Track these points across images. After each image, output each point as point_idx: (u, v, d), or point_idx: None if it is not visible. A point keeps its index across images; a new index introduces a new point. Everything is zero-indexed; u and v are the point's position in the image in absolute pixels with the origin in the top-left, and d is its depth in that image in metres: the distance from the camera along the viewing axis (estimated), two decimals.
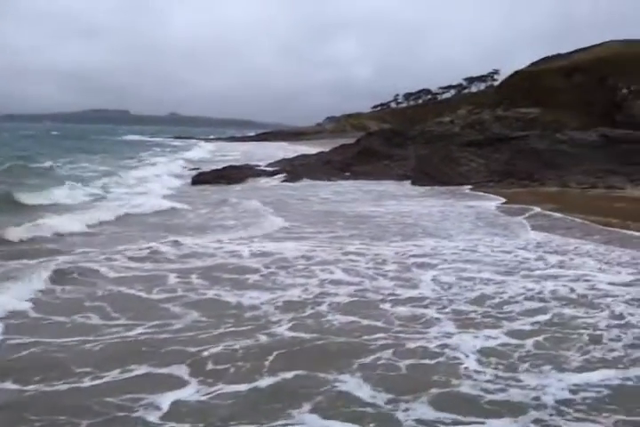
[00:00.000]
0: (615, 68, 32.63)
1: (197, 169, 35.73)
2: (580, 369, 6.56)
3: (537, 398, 5.86)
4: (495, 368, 6.57)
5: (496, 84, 59.47)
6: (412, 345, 7.25)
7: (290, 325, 7.95)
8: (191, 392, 5.99)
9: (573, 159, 28.05)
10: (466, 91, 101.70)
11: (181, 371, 6.46)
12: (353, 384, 6.15)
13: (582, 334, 7.66)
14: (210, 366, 6.59)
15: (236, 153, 61.50)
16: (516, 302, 9.13)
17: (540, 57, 46.76)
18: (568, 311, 8.65)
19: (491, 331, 7.71)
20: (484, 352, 7.01)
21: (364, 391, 6.00)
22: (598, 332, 7.73)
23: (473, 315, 8.43)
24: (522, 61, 44.25)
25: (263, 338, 7.46)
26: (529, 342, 7.33)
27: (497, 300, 9.20)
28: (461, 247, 13.36)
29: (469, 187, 27.75)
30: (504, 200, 23.02)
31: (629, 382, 6.24)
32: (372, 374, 6.41)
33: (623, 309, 8.74)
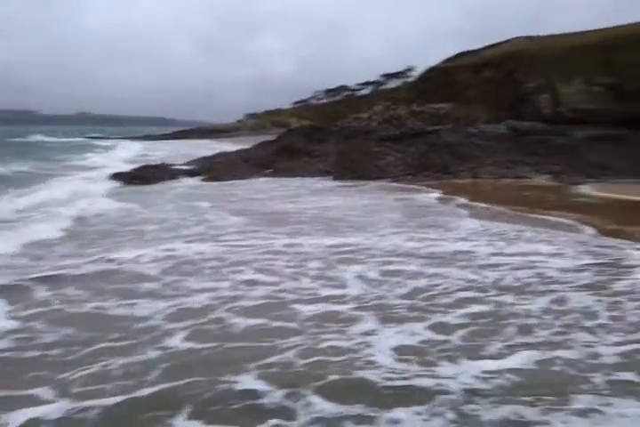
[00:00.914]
0: (521, 63, 34.33)
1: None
2: (497, 356, 6.67)
3: (446, 386, 5.96)
4: (409, 362, 6.56)
5: (411, 80, 61.04)
6: (323, 345, 7.09)
7: (186, 334, 7.41)
8: (50, 410, 5.48)
9: (484, 151, 29.26)
10: (383, 87, 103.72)
11: (44, 392, 5.87)
12: (248, 384, 6.01)
13: (513, 323, 7.68)
14: (77, 389, 5.97)
15: (159, 152, 59.28)
16: (450, 293, 9.03)
17: (453, 53, 48.41)
18: (505, 300, 8.64)
19: (415, 325, 7.67)
20: (402, 348, 6.97)
21: (259, 390, 5.90)
22: (531, 320, 7.77)
23: (399, 310, 8.29)
24: (438, 57, 46.24)
25: (152, 352, 6.88)
26: (453, 334, 7.35)
27: (429, 293, 9.06)
28: (392, 241, 13.16)
29: (388, 180, 28.37)
30: (430, 191, 23.72)
31: (543, 368, 6.39)
32: (270, 373, 6.26)
33: (565, 294, 8.84)
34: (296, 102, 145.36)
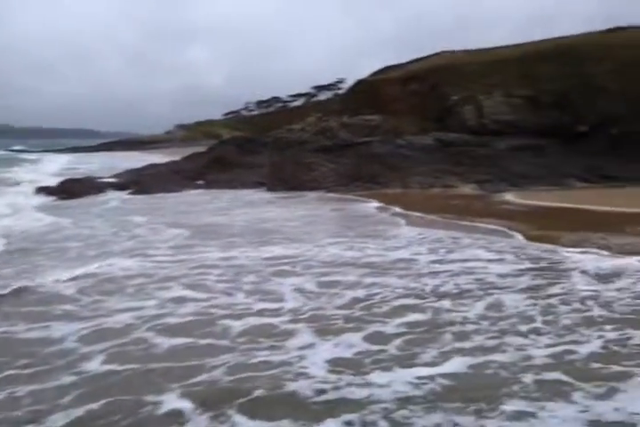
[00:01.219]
0: (445, 76, 35.59)
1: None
2: (431, 363, 6.71)
3: (378, 395, 5.93)
4: (342, 374, 6.46)
5: (342, 92, 62.03)
6: (255, 360, 6.90)
7: (104, 357, 6.98)
8: None
9: (413, 162, 30.03)
10: (315, 99, 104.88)
11: None
12: (171, 405, 5.79)
13: (449, 330, 7.72)
14: None
15: (87, 165, 56.59)
16: (389, 302, 9.00)
17: (383, 66, 49.59)
18: (443, 307, 8.69)
19: (352, 336, 7.60)
20: (336, 360, 6.86)
21: (183, 411, 5.69)
22: (468, 326, 7.85)
23: (336, 321, 8.20)
24: (372, 69, 47.70)
25: (66, 377, 6.44)
26: (389, 344, 7.32)
27: (367, 303, 9.00)
28: (330, 251, 13.08)
29: (322, 191, 28.53)
30: (365, 201, 24.02)
31: (476, 372, 6.49)
32: (195, 392, 6.05)
33: (503, 299, 9.01)
34: (227, 114, 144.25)
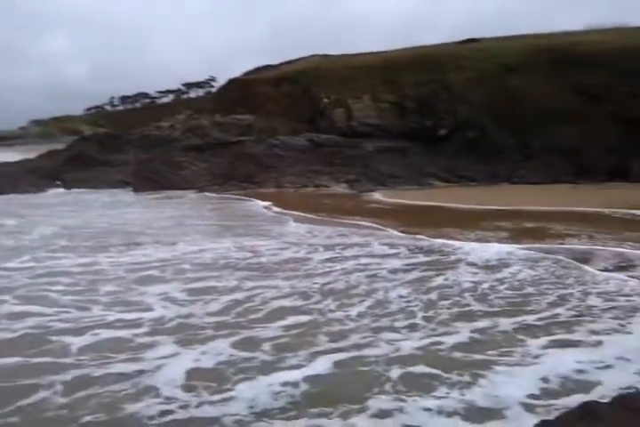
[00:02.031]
0: (316, 79, 36.31)
1: None
2: (298, 366, 6.44)
3: (235, 407, 5.50)
4: (197, 389, 5.90)
5: (214, 90, 60.82)
6: (95, 378, 6.11)
7: None
8: None
9: (286, 162, 30.23)
10: (185, 96, 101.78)
11: None
12: None
13: (327, 330, 7.52)
14: None
15: None
16: (269, 306, 8.62)
17: (255, 65, 49.33)
18: (328, 307, 8.47)
19: (220, 344, 7.10)
20: (195, 372, 6.30)
21: None
22: (348, 325, 7.75)
23: (205, 330, 7.60)
24: (245, 68, 47.21)
25: None
26: (259, 350, 6.96)
27: (244, 308, 8.53)
28: (207, 254, 12.39)
29: (194, 191, 27.69)
30: (244, 200, 23.62)
31: (345, 371, 6.35)
32: (20, 420, 5.26)
33: (388, 296, 9.02)
34: (89, 109, 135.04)
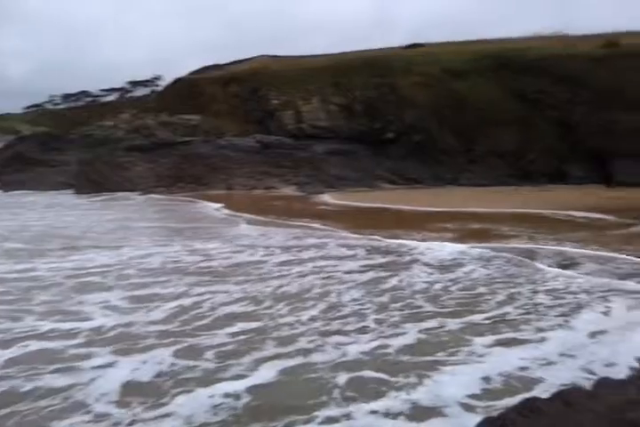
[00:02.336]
0: (265, 80, 36.09)
1: None
2: (242, 376, 6.14)
3: (169, 423, 5.14)
4: (131, 404, 5.45)
5: (160, 89, 59.45)
6: (22, 393, 5.64)
7: None
8: None
9: (235, 163, 29.90)
10: (129, 95, 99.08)
11: None
12: None
13: (275, 336, 7.29)
14: None
15: None
16: (218, 312, 8.27)
17: (202, 65, 48.58)
18: (279, 312, 8.26)
19: (160, 353, 6.70)
20: (130, 385, 5.89)
21: None
22: (298, 329, 7.56)
23: (146, 339, 7.15)
24: (193, 67, 46.17)
25: None
26: (201, 358, 6.62)
27: (191, 314, 8.14)
28: (156, 258, 11.90)
29: (139, 192, 26.96)
30: (193, 202, 23.11)
31: (291, 380, 6.12)
32: None
33: (341, 299, 8.90)
34: (29, 107, 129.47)
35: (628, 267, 11.30)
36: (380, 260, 12.16)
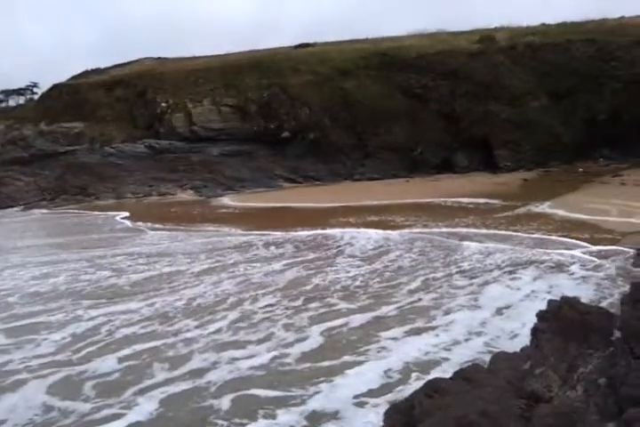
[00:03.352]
0: (152, 83, 34.72)
1: None
2: (113, 417, 5.46)
3: None
4: None
5: (37, 97, 55.45)
6: None
7: None
8: None
9: (125, 171, 28.53)
10: (2, 105, 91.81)
11: None
12: None
13: (168, 357, 6.75)
14: None
15: None
16: (114, 335, 7.66)
17: (82, 70, 45.86)
18: (187, 327, 7.79)
19: (32, 391, 6.00)
20: None
21: None
22: (195, 345, 7.10)
23: (20, 373, 6.47)
24: (71, 73, 43.15)
25: None
26: (78, 396, 5.91)
27: (83, 342, 7.38)
28: (47, 280, 10.82)
29: (20, 208, 24.94)
30: (84, 214, 21.60)
31: (168, 412, 5.52)
32: None
33: (252, 308, 8.57)
34: None
35: (529, 241, 12.23)
36: (301, 257, 12.05)
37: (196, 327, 7.88)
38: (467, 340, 7.03)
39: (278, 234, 15.06)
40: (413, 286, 9.44)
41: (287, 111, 31.11)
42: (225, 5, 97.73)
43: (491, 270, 10.11)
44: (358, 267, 10.97)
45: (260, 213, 21.10)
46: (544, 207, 16.92)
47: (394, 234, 13.96)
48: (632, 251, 10.67)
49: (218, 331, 7.73)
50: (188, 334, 7.61)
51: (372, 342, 6.99)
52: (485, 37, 30.66)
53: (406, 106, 29.54)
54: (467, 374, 5.45)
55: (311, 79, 31.54)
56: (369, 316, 7.98)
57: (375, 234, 13.97)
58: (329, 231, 14.84)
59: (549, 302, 6.96)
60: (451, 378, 5.60)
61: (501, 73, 28.47)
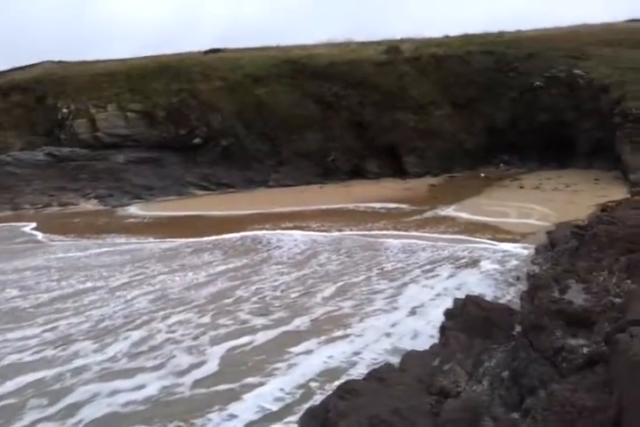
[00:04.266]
0: (53, 87, 32.79)
1: None
2: None
3: None
4: None
5: None
6: None
7: None
8: None
9: (23, 180, 26.69)
10: None
11: None
12: None
13: (42, 392, 6.18)
14: None
15: None
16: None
17: None
18: (77, 352, 7.31)
19: None
20: None
21: None
22: (80, 376, 6.64)
23: None
24: None
25: None
26: None
27: None
28: None
29: None
30: None
31: None
32: None
33: (166, 322, 8.22)
34: None
35: (441, 243, 12.61)
36: (222, 266, 11.72)
37: (94, 352, 7.41)
38: (376, 343, 7.12)
39: (195, 240, 14.68)
40: (331, 291, 9.49)
41: (198, 117, 30.44)
42: (136, 8, 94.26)
43: (410, 271, 10.43)
44: (288, 274, 10.91)
45: (172, 222, 20.45)
46: (449, 211, 17.68)
47: (319, 236, 14.08)
48: (531, 249, 11.37)
49: (113, 357, 7.25)
50: (81, 362, 7.11)
51: (278, 360, 6.77)
52: (392, 48, 31.66)
53: (319, 114, 29.86)
54: (379, 374, 5.51)
55: (222, 85, 31.11)
56: (280, 331, 7.84)
57: (301, 236, 13.98)
58: (250, 234, 14.63)
59: (455, 300, 7.25)
60: (364, 379, 5.64)
61: (407, 83, 29.52)
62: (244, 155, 29.28)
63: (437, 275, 10.17)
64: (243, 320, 8.44)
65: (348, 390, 5.06)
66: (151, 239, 16.05)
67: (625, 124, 20.52)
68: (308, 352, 6.96)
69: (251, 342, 7.47)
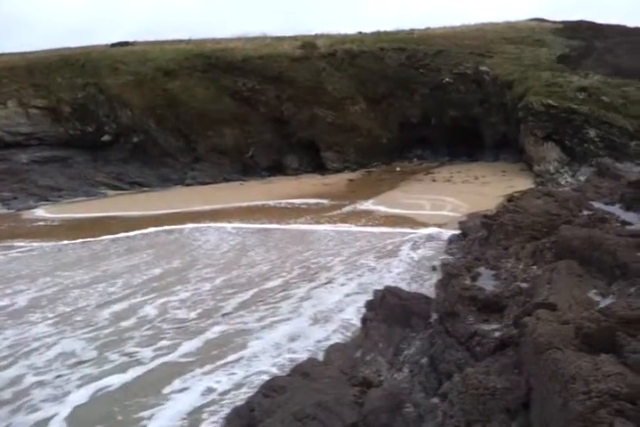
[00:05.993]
0: None
1: None
2: None
3: None
4: None
5: None
6: None
7: None
8: None
9: None
10: None
11: None
12: None
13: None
14: None
15: None
16: None
17: None
18: None
19: None
20: None
21: None
22: None
23: None
24: None
25: None
26: None
27: None
28: None
29: None
30: None
31: None
32: None
33: (54, 350, 7.73)
34: None
35: (361, 235, 12.73)
36: (137, 279, 11.25)
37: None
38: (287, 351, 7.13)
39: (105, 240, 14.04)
40: (238, 301, 9.45)
41: (106, 113, 29.10)
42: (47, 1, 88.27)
43: (332, 266, 10.53)
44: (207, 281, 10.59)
45: (83, 224, 19.45)
46: (368, 204, 18.07)
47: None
48: (444, 239, 11.85)
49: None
50: None
51: (140, 408, 6.31)
52: (307, 43, 31.75)
53: (235, 109, 29.43)
54: (303, 369, 5.54)
55: (131, 79, 29.88)
56: (181, 353, 7.59)
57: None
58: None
59: (375, 291, 7.41)
60: (288, 375, 5.64)
61: (323, 78, 29.72)
62: (157, 152, 28.35)
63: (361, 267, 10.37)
64: (126, 353, 7.86)
65: (272, 387, 5.04)
66: (65, 242, 15.17)
67: (528, 117, 21.75)
68: (182, 390, 6.54)
69: (117, 383, 6.86)
